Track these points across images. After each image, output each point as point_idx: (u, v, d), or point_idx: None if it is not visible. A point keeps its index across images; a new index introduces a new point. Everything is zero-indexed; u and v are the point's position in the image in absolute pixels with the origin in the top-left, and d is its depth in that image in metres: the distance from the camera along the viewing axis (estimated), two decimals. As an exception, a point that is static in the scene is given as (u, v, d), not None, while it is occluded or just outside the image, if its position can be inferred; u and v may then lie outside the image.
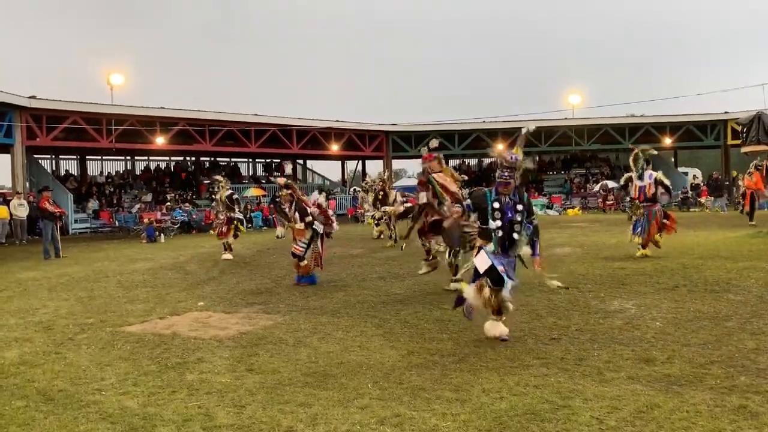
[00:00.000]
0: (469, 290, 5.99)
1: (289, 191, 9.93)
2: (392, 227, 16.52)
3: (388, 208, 16.92)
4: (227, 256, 13.69)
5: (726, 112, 32.31)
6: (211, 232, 21.08)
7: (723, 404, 4.04)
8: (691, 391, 4.32)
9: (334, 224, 10.08)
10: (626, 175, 12.02)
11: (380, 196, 17.52)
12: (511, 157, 5.83)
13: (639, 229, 11.55)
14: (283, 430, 3.86)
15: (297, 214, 9.67)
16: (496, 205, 5.84)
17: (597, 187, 33.43)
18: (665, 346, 5.48)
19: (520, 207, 5.82)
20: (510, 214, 5.81)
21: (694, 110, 33.78)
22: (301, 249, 9.71)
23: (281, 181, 10.41)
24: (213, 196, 15.68)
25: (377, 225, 17.65)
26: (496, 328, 5.85)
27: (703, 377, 4.60)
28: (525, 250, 5.89)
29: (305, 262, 9.74)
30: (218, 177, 16.10)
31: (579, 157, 39.33)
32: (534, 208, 6.05)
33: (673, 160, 40.30)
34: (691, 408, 4.00)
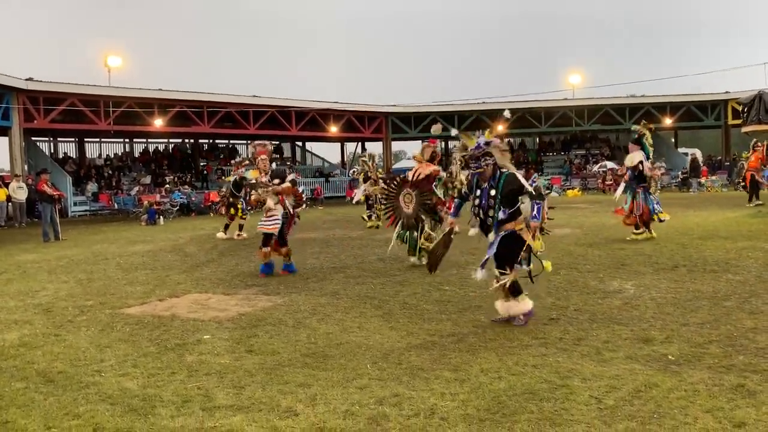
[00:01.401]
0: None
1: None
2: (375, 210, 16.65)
3: (370, 189, 16.97)
4: (239, 235, 14.16)
5: (727, 92, 32.19)
6: (212, 215, 21.09)
7: (721, 383, 4.06)
8: (689, 370, 4.33)
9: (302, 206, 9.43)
10: (637, 155, 11.57)
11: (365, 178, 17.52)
12: (477, 147, 5.74)
13: (658, 205, 11.36)
14: (283, 411, 3.88)
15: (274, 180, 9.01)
16: (477, 192, 5.84)
17: (596, 168, 33.38)
18: (664, 325, 5.49)
19: (492, 192, 5.70)
20: (485, 201, 5.75)
21: (695, 90, 33.61)
22: (273, 228, 8.83)
23: (268, 146, 9.64)
24: (224, 176, 15.72)
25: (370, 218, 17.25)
26: (512, 307, 5.75)
27: (701, 356, 4.61)
28: (500, 214, 5.60)
29: (287, 248, 9.07)
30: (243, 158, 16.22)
31: (579, 137, 39.21)
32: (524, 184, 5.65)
33: (673, 140, 40.21)
34: (689, 387, 4.01)
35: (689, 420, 3.54)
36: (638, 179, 11.31)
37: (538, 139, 40.19)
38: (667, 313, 5.93)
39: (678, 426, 3.47)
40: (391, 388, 4.20)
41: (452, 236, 6.14)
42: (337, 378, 4.43)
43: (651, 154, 11.46)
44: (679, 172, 32.03)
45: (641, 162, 11.25)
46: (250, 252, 11.75)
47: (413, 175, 9.12)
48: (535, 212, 5.51)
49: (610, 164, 32.84)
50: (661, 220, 11.35)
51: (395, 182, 9.39)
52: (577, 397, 3.92)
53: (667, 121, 33.56)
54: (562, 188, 31.96)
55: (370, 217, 16.52)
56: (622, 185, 11.53)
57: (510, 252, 5.66)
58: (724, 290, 6.80)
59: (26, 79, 22.93)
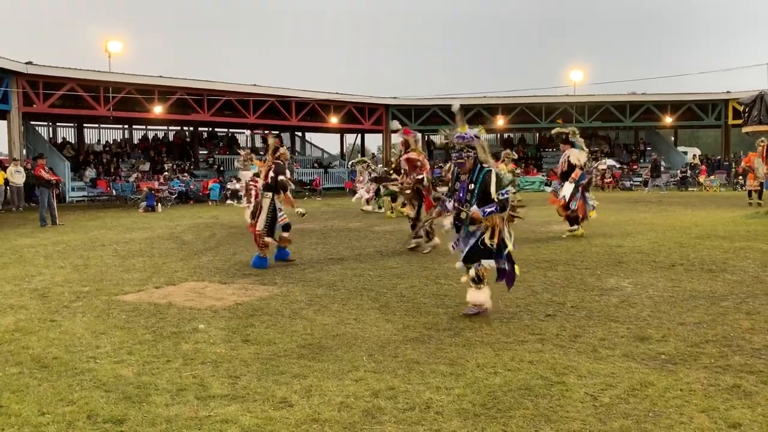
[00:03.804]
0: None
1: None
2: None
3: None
4: None
5: (728, 92, 32.17)
6: (210, 203, 21.07)
7: (717, 383, 4.05)
8: (685, 369, 4.33)
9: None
10: (575, 152, 11.77)
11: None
12: (464, 137, 5.74)
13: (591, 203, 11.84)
14: (278, 401, 3.87)
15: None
16: (456, 185, 5.87)
17: (596, 165, 33.37)
18: (660, 324, 5.48)
19: (471, 186, 5.74)
20: (462, 194, 5.77)
21: (696, 89, 33.60)
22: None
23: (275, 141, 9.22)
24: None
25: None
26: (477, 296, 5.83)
27: (697, 356, 4.61)
28: (473, 209, 5.67)
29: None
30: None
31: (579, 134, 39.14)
32: (494, 184, 5.69)
33: (672, 138, 40.21)
34: (684, 386, 4.00)
35: (684, 419, 3.53)
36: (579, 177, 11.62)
37: (538, 135, 40.14)
38: (663, 311, 5.93)
39: (673, 425, 3.47)
40: (386, 381, 4.19)
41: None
42: (332, 369, 4.43)
43: (583, 148, 11.86)
44: (678, 171, 32.05)
45: (578, 158, 11.64)
46: (247, 241, 11.71)
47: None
48: (486, 209, 5.60)
49: (610, 162, 32.83)
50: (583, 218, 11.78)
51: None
52: (573, 394, 3.92)
53: (668, 120, 33.57)
54: (560, 185, 31.90)
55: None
56: (572, 185, 11.73)
57: (484, 246, 5.74)
58: (721, 290, 6.80)
59: (26, 63, 22.81)
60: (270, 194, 8.81)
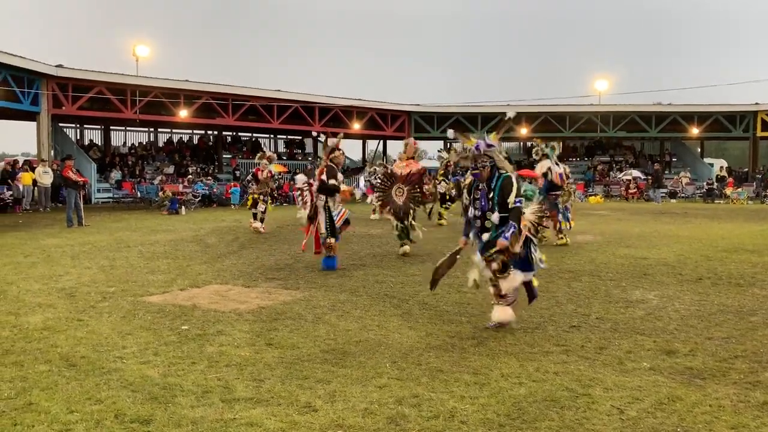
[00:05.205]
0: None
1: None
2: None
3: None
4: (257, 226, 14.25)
5: (756, 103, 31.67)
6: (233, 207, 21.24)
7: (747, 399, 3.98)
8: (714, 384, 4.26)
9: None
10: (546, 163, 11.71)
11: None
12: (478, 148, 5.71)
13: (569, 215, 11.78)
14: (302, 406, 3.88)
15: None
16: (477, 195, 5.80)
17: (621, 175, 33.12)
18: (688, 338, 5.41)
19: (490, 195, 5.70)
20: (483, 202, 5.73)
21: (724, 101, 33.11)
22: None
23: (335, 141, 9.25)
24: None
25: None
26: (503, 313, 5.74)
27: (726, 371, 4.53)
28: (494, 217, 5.61)
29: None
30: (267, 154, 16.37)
31: (603, 144, 38.82)
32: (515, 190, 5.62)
33: (699, 150, 39.68)
34: (714, 402, 3.94)
35: (714, 436, 3.48)
36: (551, 187, 11.51)
37: (561, 144, 39.83)
38: (691, 325, 5.85)
39: (702, 441, 3.42)
40: (410, 388, 4.18)
41: (459, 255, 6.08)
42: (356, 375, 4.43)
43: (555, 161, 11.77)
44: (705, 183, 31.63)
45: (549, 169, 11.54)
46: (270, 245, 11.80)
47: (405, 172, 10.33)
48: (507, 233, 5.49)
49: (635, 173, 32.53)
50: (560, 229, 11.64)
51: (388, 178, 10.53)
52: (599, 406, 3.88)
53: (694, 131, 33.13)
54: (584, 194, 31.66)
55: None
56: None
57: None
58: (749, 305, 6.69)
59: (56, 66, 23.22)
60: (323, 196, 8.94)
